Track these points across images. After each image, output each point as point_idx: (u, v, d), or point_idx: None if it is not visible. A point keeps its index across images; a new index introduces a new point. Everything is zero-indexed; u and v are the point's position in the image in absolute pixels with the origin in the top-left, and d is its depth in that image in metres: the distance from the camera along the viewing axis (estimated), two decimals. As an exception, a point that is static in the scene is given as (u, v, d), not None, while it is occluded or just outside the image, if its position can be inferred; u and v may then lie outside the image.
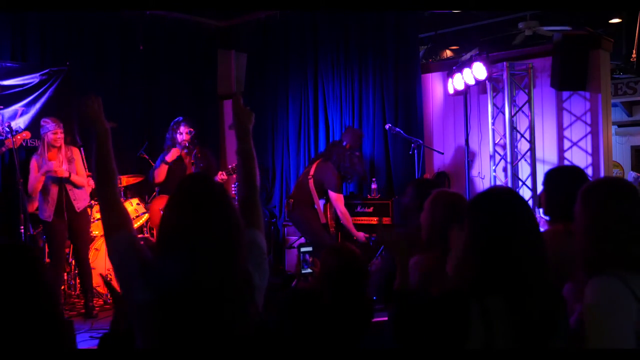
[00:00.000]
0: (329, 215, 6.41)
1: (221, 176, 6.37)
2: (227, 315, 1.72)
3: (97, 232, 6.72)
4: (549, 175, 2.83)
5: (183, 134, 6.50)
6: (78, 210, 5.96)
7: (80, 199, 6.00)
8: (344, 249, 3.36)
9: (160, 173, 6.54)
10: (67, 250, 6.30)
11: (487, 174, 6.93)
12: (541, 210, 2.81)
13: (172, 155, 6.50)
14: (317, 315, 2.88)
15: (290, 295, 3.21)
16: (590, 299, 1.81)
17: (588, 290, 1.82)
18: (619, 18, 8.43)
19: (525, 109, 6.65)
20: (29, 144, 6.67)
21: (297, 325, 2.69)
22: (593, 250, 1.86)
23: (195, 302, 1.69)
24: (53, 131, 5.79)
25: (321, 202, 6.48)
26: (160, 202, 6.45)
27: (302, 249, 4.89)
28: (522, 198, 1.98)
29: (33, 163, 5.86)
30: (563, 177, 2.77)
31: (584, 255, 1.89)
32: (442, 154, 7.09)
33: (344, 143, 6.51)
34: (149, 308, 1.70)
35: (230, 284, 1.74)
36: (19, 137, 5.96)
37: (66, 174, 5.81)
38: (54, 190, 5.81)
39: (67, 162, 5.92)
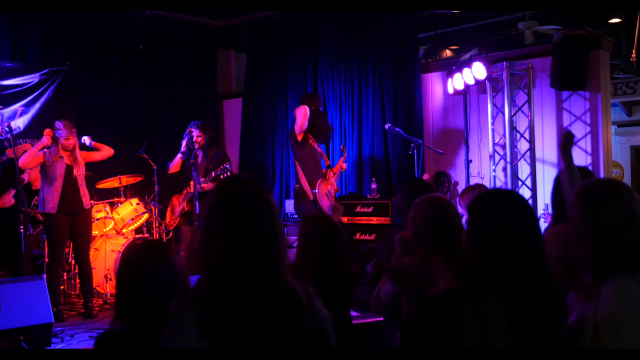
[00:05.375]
0: (320, 190, 6.33)
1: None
2: (276, 324, 1.65)
3: (96, 232, 6.72)
4: (558, 176, 2.85)
5: (194, 135, 6.51)
6: (86, 207, 5.98)
7: (88, 196, 6.05)
8: (316, 216, 3.44)
9: (175, 164, 6.56)
10: (66, 250, 6.30)
11: (487, 173, 6.93)
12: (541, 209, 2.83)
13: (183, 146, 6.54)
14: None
15: None
16: (609, 305, 1.76)
17: (605, 296, 1.78)
18: (619, 18, 8.43)
19: (525, 108, 6.65)
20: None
21: None
22: (598, 252, 1.84)
23: (244, 304, 1.62)
24: (65, 137, 5.81)
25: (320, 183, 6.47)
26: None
27: None
28: (523, 199, 1.97)
29: (39, 152, 5.90)
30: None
31: (590, 258, 1.86)
32: (442, 153, 7.09)
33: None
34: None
35: (276, 290, 1.67)
36: (20, 147, 6.01)
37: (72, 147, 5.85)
38: (59, 181, 5.81)
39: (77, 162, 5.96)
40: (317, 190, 6.27)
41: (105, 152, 6.25)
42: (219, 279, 1.65)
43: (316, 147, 6.47)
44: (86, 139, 6.22)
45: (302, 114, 6.29)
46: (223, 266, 1.65)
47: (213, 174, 6.20)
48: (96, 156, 6.23)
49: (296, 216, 7.83)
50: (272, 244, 1.68)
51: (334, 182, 6.53)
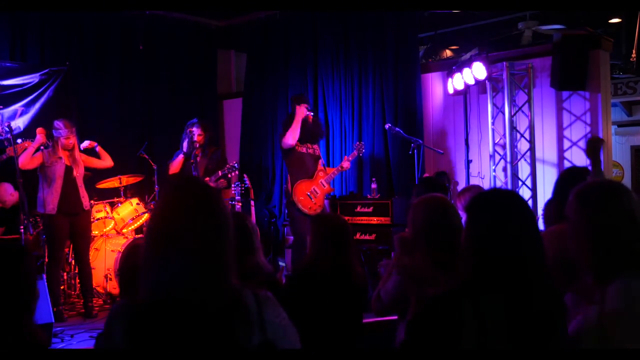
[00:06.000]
0: (297, 191, 6.35)
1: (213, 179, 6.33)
2: (210, 333, 1.54)
3: (96, 232, 6.73)
4: (559, 175, 2.91)
5: (194, 134, 6.51)
6: (86, 208, 5.99)
7: (87, 197, 6.06)
8: (326, 215, 3.46)
9: (176, 164, 6.55)
10: (66, 250, 6.30)
11: (487, 173, 6.93)
12: (541, 210, 2.84)
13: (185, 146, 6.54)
14: (315, 293, 2.92)
15: (288, 279, 3.29)
16: (616, 304, 1.75)
17: (611, 296, 1.77)
18: (619, 18, 8.43)
19: (525, 108, 6.65)
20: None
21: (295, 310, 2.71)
22: (599, 252, 1.83)
23: (175, 314, 1.53)
24: (65, 136, 5.81)
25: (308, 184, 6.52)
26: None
27: (280, 263, 4.79)
28: (522, 199, 1.97)
29: (38, 153, 5.88)
30: (569, 177, 2.80)
31: (590, 259, 1.86)
32: (442, 153, 7.09)
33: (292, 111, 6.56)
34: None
35: (215, 298, 1.56)
36: (20, 146, 5.99)
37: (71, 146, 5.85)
38: (59, 182, 5.80)
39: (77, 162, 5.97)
40: (294, 191, 6.30)
41: (107, 162, 6.28)
42: (151, 285, 1.57)
43: (304, 148, 6.47)
44: (93, 144, 6.21)
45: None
46: (155, 270, 1.57)
47: (220, 172, 6.20)
48: (96, 163, 6.25)
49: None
50: (212, 247, 1.58)
51: (324, 182, 6.49)
